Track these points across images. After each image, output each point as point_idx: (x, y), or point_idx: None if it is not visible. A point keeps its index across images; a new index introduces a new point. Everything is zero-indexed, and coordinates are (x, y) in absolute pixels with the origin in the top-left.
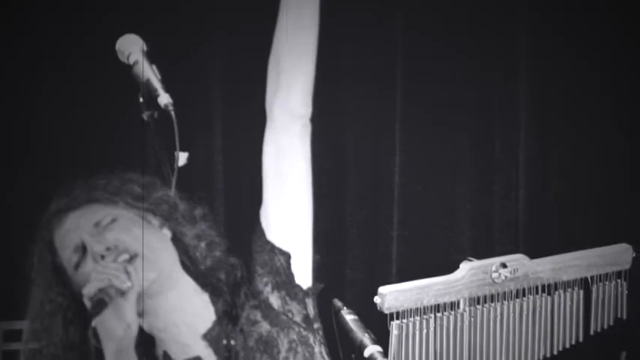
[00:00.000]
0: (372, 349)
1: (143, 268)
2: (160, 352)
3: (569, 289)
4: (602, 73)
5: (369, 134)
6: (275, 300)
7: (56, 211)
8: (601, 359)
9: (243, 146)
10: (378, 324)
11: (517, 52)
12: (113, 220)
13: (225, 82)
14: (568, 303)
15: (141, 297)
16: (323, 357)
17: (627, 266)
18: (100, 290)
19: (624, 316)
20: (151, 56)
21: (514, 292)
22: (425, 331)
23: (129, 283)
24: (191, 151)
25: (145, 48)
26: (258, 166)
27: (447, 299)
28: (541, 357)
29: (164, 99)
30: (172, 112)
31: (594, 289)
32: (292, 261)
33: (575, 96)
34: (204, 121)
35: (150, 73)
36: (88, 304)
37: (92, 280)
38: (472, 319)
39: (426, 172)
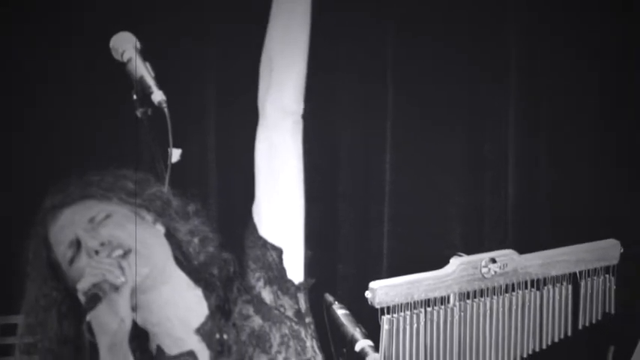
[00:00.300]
0: (363, 343)
1: (136, 264)
2: (153, 346)
3: (558, 284)
4: (592, 70)
5: (361, 131)
6: (267, 295)
7: (51, 207)
8: (589, 353)
9: (236, 143)
10: (369, 318)
11: (507, 50)
12: (107, 216)
13: (218, 80)
14: (557, 298)
15: (134, 292)
16: (314, 351)
17: (615, 261)
18: (94, 285)
19: (612, 311)
20: (145, 54)
21: (503, 287)
22: (415, 325)
23: (123, 278)
24: (184, 148)
25: (139, 46)
26: (250, 163)
27: (437, 294)
28: (530, 351)
29: (157, 96)
30: (166, 109)
31: (583, 284)
32: (284, 256)
33: (564, 93)
34: (197, 118)
35: (143, 71)
36: (82, 298)
37: (86, 275)
38: (462, 313)
39: (417, 169)
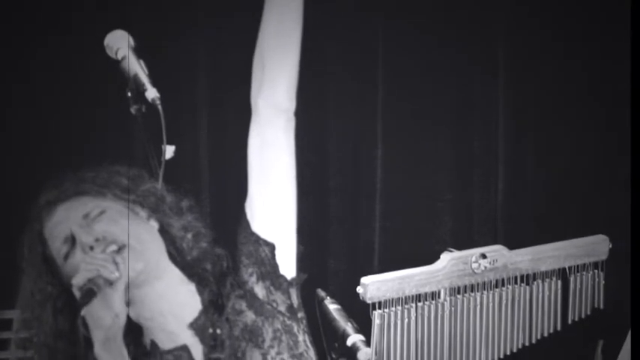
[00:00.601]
0: (354, 337)
1: (129, 259)
2: (147, 341)
3: (548, 280)
4: (581, 69)
5: (352, 128)
6: (260, 290)
7: (46, 203)
8: (579, 348)
9: (229, 139)
10: (361, 313)
11: (497, 48)
12: (102, 212)
13: (211, 77)
14: (546, 293)
15: (128, 287)
16: (307, 345)
17: (604, 257)
18: (89, 280)
19: (601, 306)
20: (139, 51)
21: (493, 282)
22: (406, 320)
23: (117, 274)
24: (178, 145)
25: (133, 43)
26: (243, 159)
27: (428, 289)
28: (520, 345)
29: (151, 93)
30: (159, 106)
31: (572, 279)
32: (277, 252)
33: (553, 91)
34: (190, 115)
35: (137, 68)
36: (77, 293)
37: (81, 270)
38: (452, 308)
39: (408, 165)
